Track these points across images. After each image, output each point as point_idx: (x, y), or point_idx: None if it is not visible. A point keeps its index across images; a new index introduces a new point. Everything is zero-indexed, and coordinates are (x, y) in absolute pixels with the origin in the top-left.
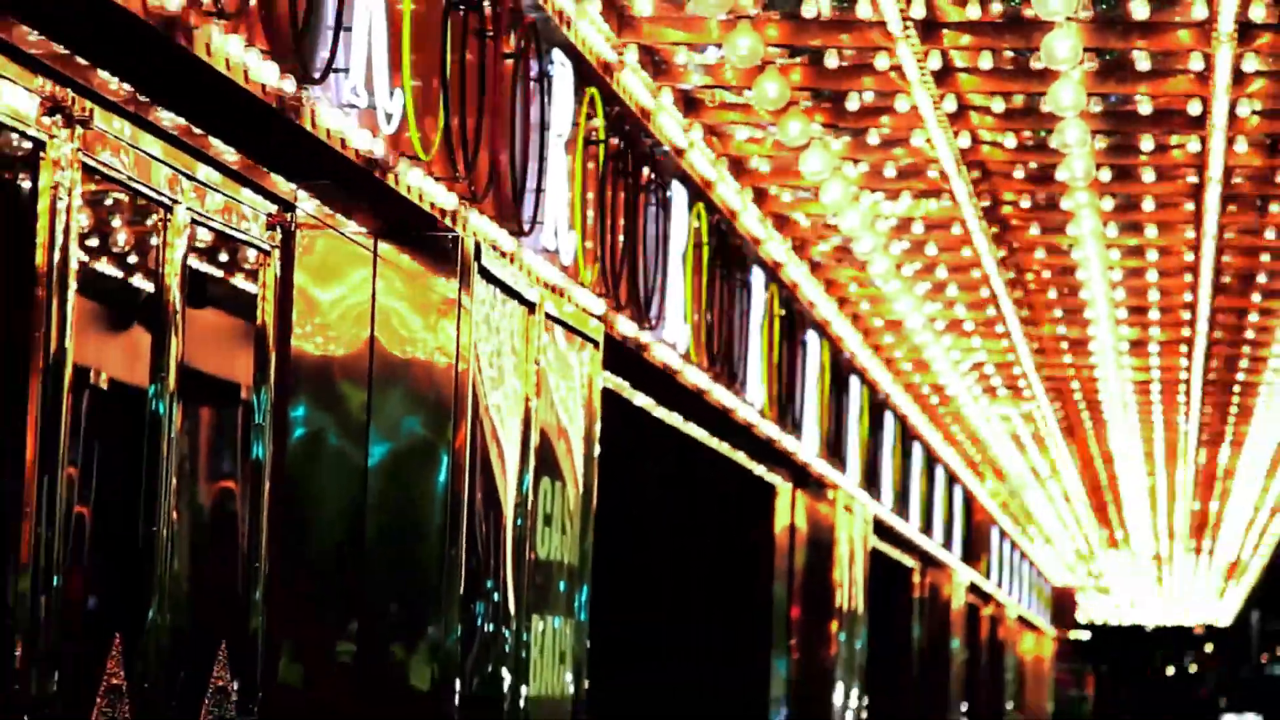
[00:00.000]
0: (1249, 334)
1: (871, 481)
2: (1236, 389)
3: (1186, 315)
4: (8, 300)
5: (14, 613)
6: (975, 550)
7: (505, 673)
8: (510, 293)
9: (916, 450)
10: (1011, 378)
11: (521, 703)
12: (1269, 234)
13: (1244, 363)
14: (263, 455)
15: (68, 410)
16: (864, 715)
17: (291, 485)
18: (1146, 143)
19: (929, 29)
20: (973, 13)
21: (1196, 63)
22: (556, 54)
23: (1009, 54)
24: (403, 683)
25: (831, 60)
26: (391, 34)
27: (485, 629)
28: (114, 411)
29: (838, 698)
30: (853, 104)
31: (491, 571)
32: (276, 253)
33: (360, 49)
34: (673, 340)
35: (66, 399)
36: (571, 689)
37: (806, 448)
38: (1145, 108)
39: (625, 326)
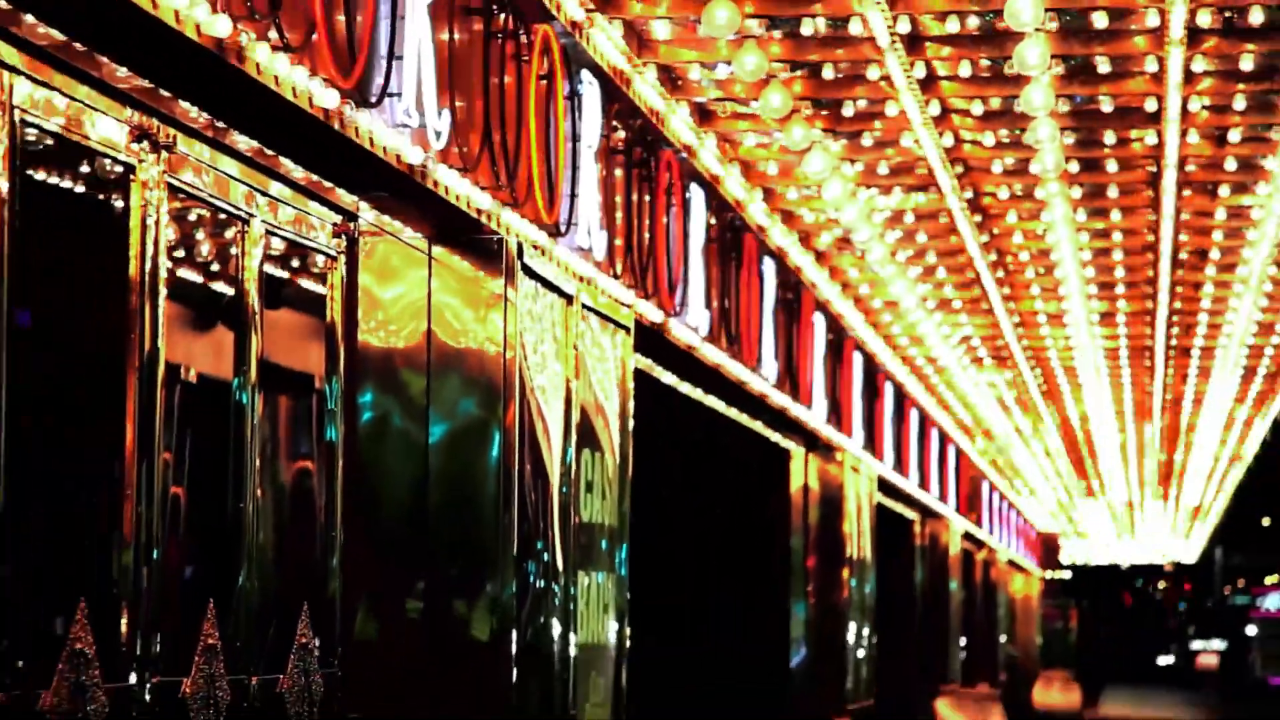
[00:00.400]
0: (1205, 304)
1: (874, 444)
2: (1195, 354)
3: (1149, 289)
4: (105, 307)
5: (119, 583)
6: (969, 502)
7: (555, 624)
8: (550, 286)
9: (913, 415)
10: (996, 349)
11: (571, 650)
12: (1220, 215)
13: (1201, 330)
14: (335, 437)
15: (161, 403)
16: (874, 651)
17: (361, 463)
18: (1109, 137)
19: (913, 43)
20: (952, 26)
21: (1151, 65)
22: (585, 74)
23: (985, 62)
24: (465, 635)
25: (828, 73)
26: (438, 61)
27: (537, 585)
28: (202, 403)
29: (850, 636)
30: (848, 111)
31: (541, 534)
32: (342, 258)
33: (411, 75)
34: (695, 323)
35: (160, 393)
36: (615, 637)
37: (815, 416)
38: (1107, 106)
39: (652, 313)
